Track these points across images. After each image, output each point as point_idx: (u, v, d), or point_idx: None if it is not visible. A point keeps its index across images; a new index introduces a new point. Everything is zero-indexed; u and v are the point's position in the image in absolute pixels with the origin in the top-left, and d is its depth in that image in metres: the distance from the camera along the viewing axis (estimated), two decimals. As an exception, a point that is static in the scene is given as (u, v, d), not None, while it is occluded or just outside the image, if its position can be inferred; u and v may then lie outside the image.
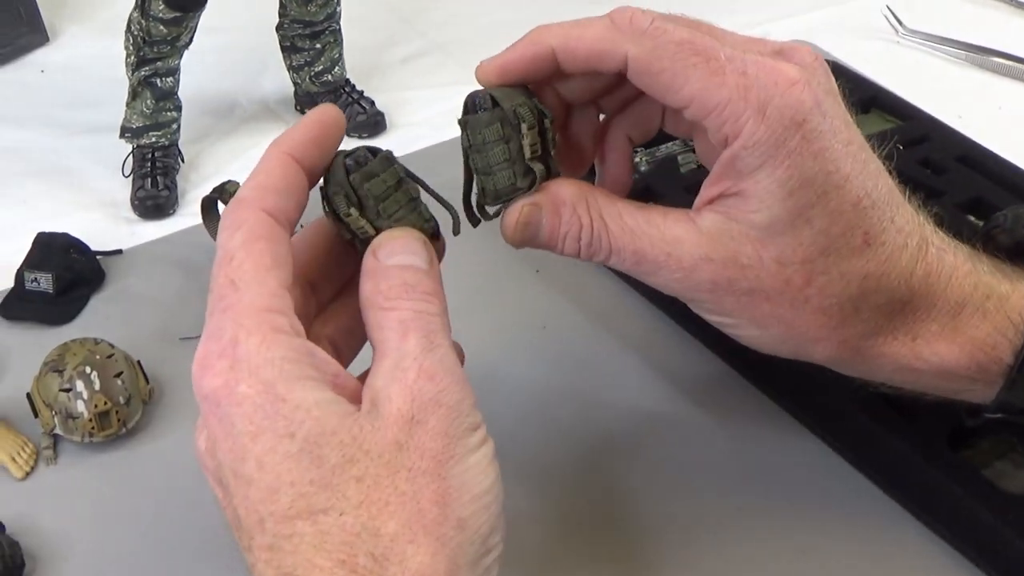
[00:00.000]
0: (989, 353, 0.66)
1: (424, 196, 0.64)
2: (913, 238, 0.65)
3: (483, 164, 0.65)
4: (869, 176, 0.64)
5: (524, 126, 0.64)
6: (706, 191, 0.64)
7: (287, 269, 0.57)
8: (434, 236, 0.63)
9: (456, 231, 0.66)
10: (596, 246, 0.66)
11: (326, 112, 0.62)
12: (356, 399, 0.55)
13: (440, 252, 0.63)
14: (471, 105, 0.66)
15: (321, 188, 0.62)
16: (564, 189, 0.66)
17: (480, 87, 0.66)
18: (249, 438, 0.53)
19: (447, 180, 0.98)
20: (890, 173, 0.66)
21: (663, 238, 0.64)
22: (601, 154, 0.72)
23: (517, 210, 0.66)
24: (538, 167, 0.65)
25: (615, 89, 0.69)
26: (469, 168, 0.67)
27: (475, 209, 0.68)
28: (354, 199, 0.61)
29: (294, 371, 0.54)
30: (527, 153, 0.64)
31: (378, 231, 0.61)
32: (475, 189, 0.67)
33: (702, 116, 0.62)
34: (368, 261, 0.59)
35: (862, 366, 0.68)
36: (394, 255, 0.59)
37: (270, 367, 0.53)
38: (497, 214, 0.68)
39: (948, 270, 0.66)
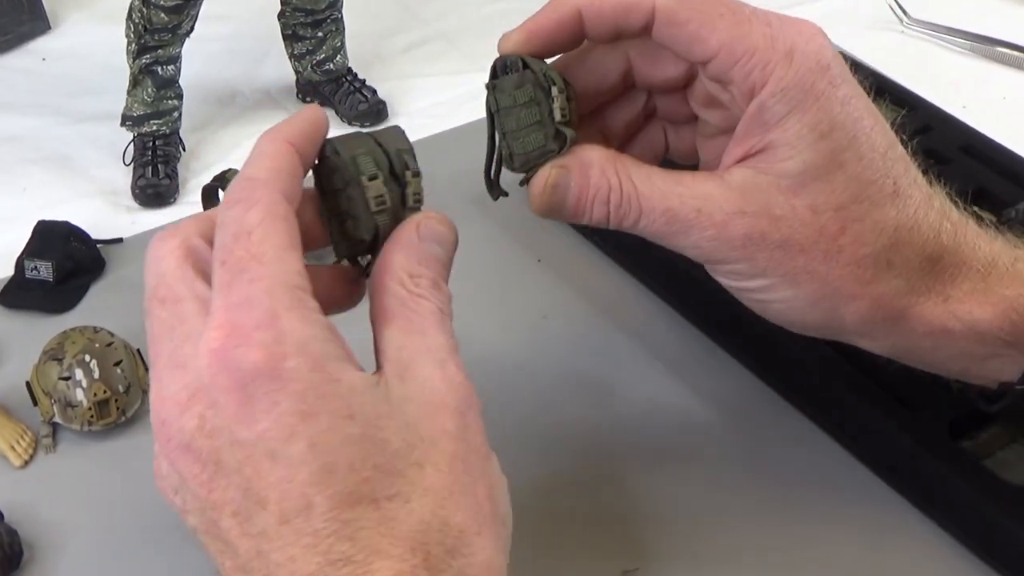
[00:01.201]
0: (1023, 314, 0.66)
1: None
2: (935, 199, 0.66)
3: (512, 126, 0.65)
4: (888, 131, 0.65)
5: (555, 89, 0.64)
6: (732, 152, 0.65)
7: (300, 252, 0.56)
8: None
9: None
10: (626, 208, 0.65)
11: (315, 111, 0.61)
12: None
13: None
14: (500, 68, 0.66)
15: (316, 177, 0.61)
16: (591, 152, 0.66)
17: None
18: (299, 418, 0.50)
19: (450, 169, 0.98)
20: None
21: (693, 195, 0.64)
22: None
23: (545, 173, 0.65)
24: (568, 131, 0.65)
25: (624, 104, 0.70)
26: (493, 137, 0.66)
27: (496, 181, 0.68)
28: (384, 164, 0.60)
29: (335, 351, 0.52)
30: (557, 116, 0.64)
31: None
32: (496, 160, 0.67)
33: (729, 65, 0.63)
34: (406, 232, 0.58)
35: (894, 330, 0.67)
36: (431, 240, 0.59)
37: (316, 344, 0.52)
38: (523, 183, 0.67)
39: (973, 231, 0.67)
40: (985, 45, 3.28)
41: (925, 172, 0.67)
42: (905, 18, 3.41)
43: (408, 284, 0.57)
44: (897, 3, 3.42)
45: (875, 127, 0.64)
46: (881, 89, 1.06)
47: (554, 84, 0.64)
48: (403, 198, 0.60)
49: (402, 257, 0.58)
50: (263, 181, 0.56)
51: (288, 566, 0.51)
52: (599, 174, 0.65)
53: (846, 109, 0.63)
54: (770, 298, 0.66)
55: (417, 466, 0.52)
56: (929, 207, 0.66)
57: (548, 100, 0.64)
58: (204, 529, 0.54)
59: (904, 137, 0.67)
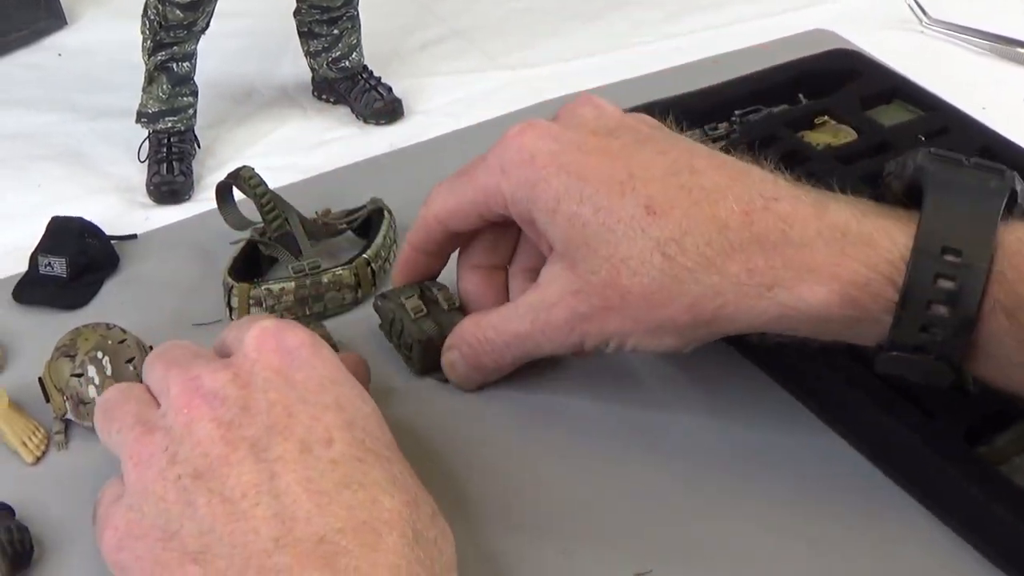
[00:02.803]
0: (863, 290, 0.67)
1: None
2: (725, 193, 0.69)
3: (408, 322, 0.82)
4: (630, 154, 0.71)
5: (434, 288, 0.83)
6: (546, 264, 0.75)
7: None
8: None
9: None
10: (498, 353, 0.78)
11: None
12: None
13: None
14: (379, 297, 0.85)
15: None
16: (462, 325, 0.79)
17: None
18: (329, 380, 0.66)
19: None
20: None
21: (525, 310, 0.75)
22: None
23: (445, 361, 0.80)
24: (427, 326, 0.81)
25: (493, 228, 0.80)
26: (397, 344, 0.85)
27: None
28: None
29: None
30: (444, 306, 0.82)
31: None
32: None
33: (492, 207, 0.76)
34: None
35: (729, 326, 0.71)
36: None
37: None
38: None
39: (783, 216, 0.68)
40: (1005, 46, 3.27)
41: (728, 151, 0.73)
42: (924, 18, 3.40)
43: None
44: (916, 3, 3.42)
45: (602, 164, 0.70)
46: (899, 90, 1.06)
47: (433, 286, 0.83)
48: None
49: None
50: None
51: (304, 484, 0.59)
52: (471, 340, 0.78)
53: (563, 176, 0.70)
54: (635, 347, 0.73)
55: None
56: (704, 206, 0.68)
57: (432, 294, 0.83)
58: (194, 472, 0.61)
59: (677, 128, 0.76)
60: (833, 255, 0.67)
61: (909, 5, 3.41)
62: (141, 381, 0.80)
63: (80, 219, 0.97)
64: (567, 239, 0.70)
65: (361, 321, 0.87)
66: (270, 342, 0.66)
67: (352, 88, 3.25)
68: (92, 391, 0.79)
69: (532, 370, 0.81)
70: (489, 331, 0.77)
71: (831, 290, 0.67)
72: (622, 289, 0.69)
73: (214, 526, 0.59)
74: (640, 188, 0.69)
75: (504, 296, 0.81)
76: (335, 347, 0.80)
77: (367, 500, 0.59)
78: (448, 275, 0.84)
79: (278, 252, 0.91)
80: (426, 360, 0.81)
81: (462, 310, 0.81)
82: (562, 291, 0.72)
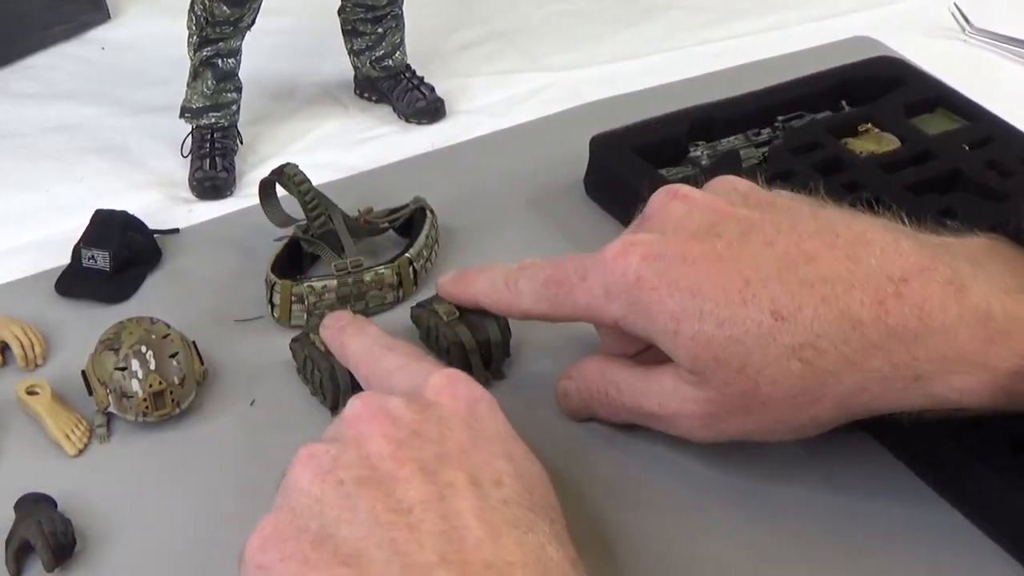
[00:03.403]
0: (1017, 378, 0.64)
1: None
2: (849, 283, 0.65)
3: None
4: (745, 261, 0.67)
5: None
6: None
7: None
8: None
9: None
10: (614, 408, 0.76)
11: None
12: None
13: None
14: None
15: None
16: (589, 363, 0.78)
17: None
18: (505, 434, 0.66)
19: (506, 168, 0.98)
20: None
21: (655, 393, 0.73)
22: None
23: (560, 386, 0.79)
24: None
25: None
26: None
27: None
28: None
29: None
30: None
31: None
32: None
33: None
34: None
35: (880, 411, 0.69)
36: None
37: None
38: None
39: (918, 303, 0.65)
40: (1049, 56, 3.25)
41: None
42: (968, 27, 3.38)
43: None
44: (959, 11, 3.40)
45: (713, 272, 0.67)
46: (943, 98, 1.05)
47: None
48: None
49: None
50: None
51: (474, 510, 0.57)
52: (592, 386, 0.77)
53: (676, 295, 0.67)
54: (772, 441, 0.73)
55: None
56: (839, 301, 0.65)
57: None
58: (358, 478, 0.60)
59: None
60: (979, 343, 0.64)
61: (952, 14, 3.39)
62: (184, 376, 0.80)
63: (124, 213, 0.98)
64: (694, 358, 0.67)
65: (402, 321, 0.87)
66: (451, 389, 0.66)
67: (395, 87, 3.25)
68: (135, 385, 0.80)
69: (542, 379, 0.81)
70: (612, 389, 0.75)
71: (981, 381, 0.64)
72: (762, 397, 0.67)
73: (374, 532, 0.57)
74: (760, 292, 0.65)
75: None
76: None
77: (536, 545, 0.57)
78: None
79: (320, 250, 0.91)
80: (462, 361, 0.81)
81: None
82: (695, 395, 0.69)
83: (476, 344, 0.81)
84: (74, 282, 0.93)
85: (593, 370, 0.76)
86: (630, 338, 0.73)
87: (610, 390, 0.75)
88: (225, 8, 2.92)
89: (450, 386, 0.66)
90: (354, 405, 0.65)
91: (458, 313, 0.82)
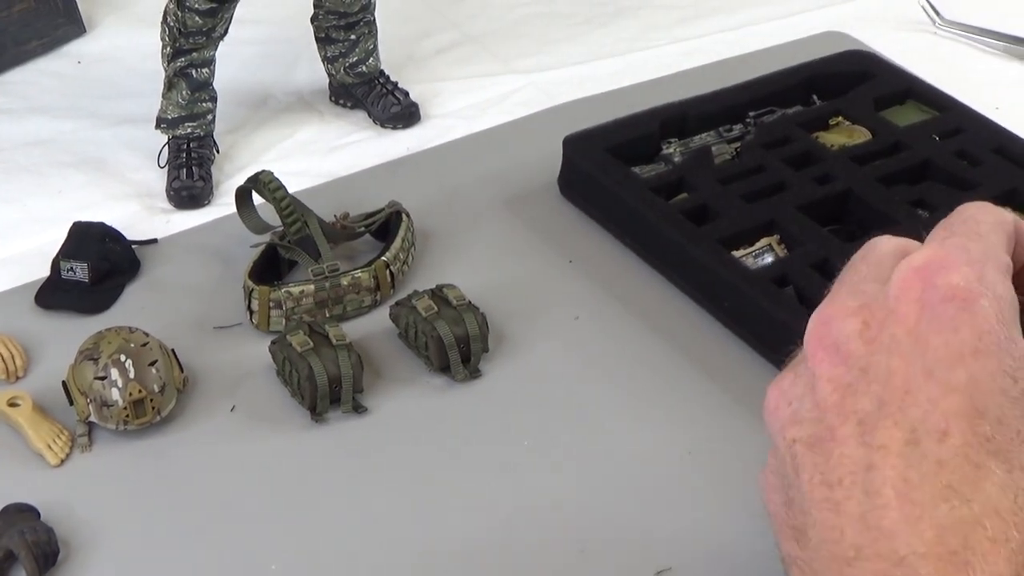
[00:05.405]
0: None
1: None
2: None
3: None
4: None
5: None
6: None
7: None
8: None
9: None
10: None
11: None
12: None
13: None
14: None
15: None
16: None
17: None
18: (971, 351, 0.50)
19: (481, 170, 0.99)
20: None
21: None
22: None
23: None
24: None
25: None
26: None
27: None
28: None
29: (1016, 322, 0.51)
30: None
31: None
32: None
33: None
34: None
35: None
36: None
37: (1008, 305, 0.51)
38: None
39: None
40: (1018, 46, 3.26)
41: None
42: (938, 19, 3.40)
43: None
44: (929, 4, 3.41)
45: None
46: (912, 90, 1.06)
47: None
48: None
49: None
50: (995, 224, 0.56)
51: (897, 484, 0.50)
52: None
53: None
54: None
55: None
56: None
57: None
58: (809, 438, 0.53)
59: None
60: None
61: (922, 6, 3.40)
62: (163, 384, 0.81)
63: (101, 224, 0.98)
64: None
65: (380, 323, 0.88)
66: (915, 288, 0.52)
67: (369, 93, 3.25)
68: (115, 394, 0.80)
69: (548, 368, 0.82)
70: None
71: None
72: None
73: (810, 509, 0.52)
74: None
75: None
76: (359, 356, 0.82)
77: (967, 521, 0.49)
78: (459, 275, 0.85)
79: (297, 255, 0.92)
80: (441, 355, 0.83)
81: (471, 307, 0.84)
82: None
83: (455, 339, 0.82)
84: (54, 294, 0.93)
85: None
86: None
87: None
88: (197, 19, 2.92)
89: (912, 284, 0.52)
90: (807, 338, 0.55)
91: (436, 309, 0.83)
